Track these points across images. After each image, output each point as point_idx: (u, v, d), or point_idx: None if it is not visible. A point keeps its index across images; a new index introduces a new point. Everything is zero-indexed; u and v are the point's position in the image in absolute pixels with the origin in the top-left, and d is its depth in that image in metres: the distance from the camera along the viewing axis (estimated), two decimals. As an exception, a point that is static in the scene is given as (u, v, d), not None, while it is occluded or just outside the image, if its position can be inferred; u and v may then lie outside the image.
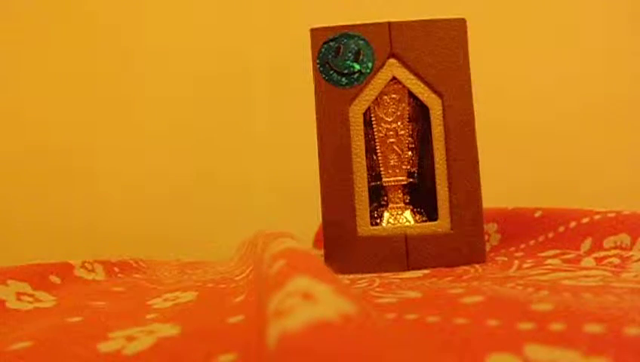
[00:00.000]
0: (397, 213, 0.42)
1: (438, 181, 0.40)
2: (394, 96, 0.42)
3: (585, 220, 0.38)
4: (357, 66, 0.40)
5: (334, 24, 0.41)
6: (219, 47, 0.86)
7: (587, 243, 0.36)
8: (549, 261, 0.35)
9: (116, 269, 0.44)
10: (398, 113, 0.42)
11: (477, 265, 0.38)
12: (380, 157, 0.42)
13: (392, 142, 0.42)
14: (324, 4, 0.83)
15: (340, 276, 0.37)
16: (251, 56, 0.85)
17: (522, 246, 0.42)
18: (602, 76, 0.83)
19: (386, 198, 0.43)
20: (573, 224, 0.39)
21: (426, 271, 0.37)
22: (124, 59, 0.85)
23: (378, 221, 0.42)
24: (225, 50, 0.85)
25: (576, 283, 0.26)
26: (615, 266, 0.31)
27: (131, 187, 0.83)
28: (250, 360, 0.17)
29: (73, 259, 0.41)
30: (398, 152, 0.42)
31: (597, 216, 0.38)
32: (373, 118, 0.42)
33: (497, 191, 0.47)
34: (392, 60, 0.41)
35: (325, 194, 0.40)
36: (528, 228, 0.42)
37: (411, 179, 0.43)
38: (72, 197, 0.82)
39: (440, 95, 0.40)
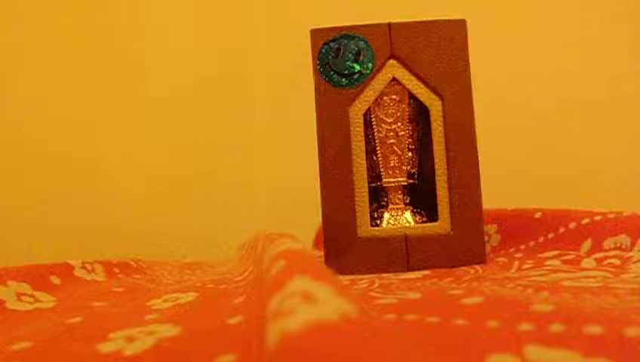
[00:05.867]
0: (397, 214, 0.42)
1: (438, 182, 0.40)
2: (394, 97, 0.42)
3: (585, 221, 0.38)
4: (357, 67, 0.40)
5: (334, 25, 0.41)
6: (219, 47, 0.86)
7: (587, 244, 0.36)
8: (549, 262, 0.35)
9: (116, 270, 0.44)
10: (398, 114, 0.42)
11: (477, 266, 0.38)
12: (380, 158, 0.42)
13: (392, 143, 0.42)
14: (324, 4, 0.83)
15: (340, 277, 0.37)
16: (251, 56, 0.85)
17: (522, 247, 0.42)
18: (603, 76, 0.83)
19: (386, 199, 0.43)
20: (573, 225, 0.39)
21: (426, 272, 0.37)
22: (124, 59, 0.85)
23: (378, 222, 0.42)
24: (225, 50, 0.86)
25: (576, 284, 0.26)
26: (615, 267, 0.31)
27: (131, 187, 0.83)
28: (251, 361, 0.17)
29: (73, 260, 0.41)
30: (398, 153, 0.42)
31: (597, 217, 0.38)
32: (373, 119, 0.42)
33: (497, 192, 0.47)
34: (392, 61, 0.41)
35: (325, 194, 0.40)
36: (528, 229, 0.42)
37: (411, 180, 0.43)
38: (71, 198, 0.82)
39: (440, 96, 0.40)
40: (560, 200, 0.48)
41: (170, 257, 0.73)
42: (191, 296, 0.31)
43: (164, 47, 0.86)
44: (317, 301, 0.13)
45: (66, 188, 0.82)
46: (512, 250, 0.42)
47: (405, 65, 0.41)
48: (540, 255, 0.38)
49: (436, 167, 0.40)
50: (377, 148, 0.42)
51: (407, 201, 0.43)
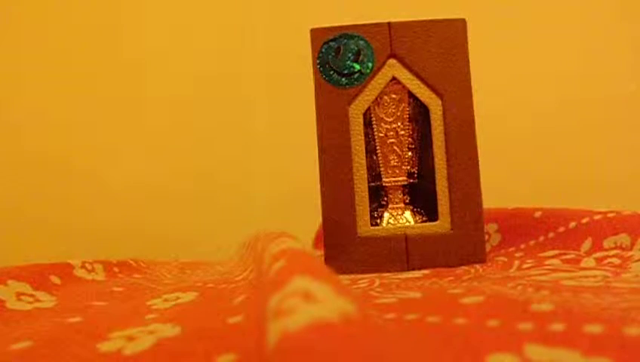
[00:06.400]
0: (397, 214, 0.42)
1: (438, 181, 0.40)
2: (394, 96, 0.42)
3: (585, 220, 0.38)
4: (357, 66, 0.40)
5: (334, 24, 0.41)
6: (219, 47, 0.86)
7: (587, 244, 0.36)
8: (549, 261, 0.35)
9: (116, 269, 0.44)
10: (398, 113, 0.42)
11: (477, 265, 0.38)
12: (380, 158, 0.42)
13: (392, 143, 0.42)
14: (324, 4, 0.83)
15: (340, 276, 0.37)
16: (251, 56, 0.85)
17: (522, 246, 0.42)
18: (603, 76, 0.83)
19: (386, 198, 0.43)
20: (573, 224, 0.39)
21: (426, 272, 0.37)
22: (124, 60, 0.85)
23: (378, 221, 0.42)
24: (225, 50, 0.85)
25: (576, 283, 0.26)
26: (615, 266, 0.31)
27: (131, 187, 0.83)
28: (251, 361, 0.17)
29: (73, 259, 0.41)
30: (398, 152, 0.42)
31: (597, 217, 0.38)
32: (373, 118, 0.42)
33: (497, 192, 0.47)
34: (392, 60, 0.41)
35: (325, 194, 0.40)
36: (528, 229, 0.42)
37: (411, 180, 0.43)
38: (71, 197, 0.82)
39: (440, 95, 0.40)
40: (560, 199, 0.48)
41: (170, 257, 0.73)
42: (191, 295, 0.31)
43: (164, 47, 0.86)
44: (317, 300, 0.13)
45: (66, 188, 0.82)
46: (512, 249, 0.42)
47: (405, 65, 0.41)
48: (540, 254, 0.38)
49: (436, 166, 0.40)
50: (377, 147, 0.42)
51: (407, 201, 0.43)
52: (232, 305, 0.26)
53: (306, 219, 0.62)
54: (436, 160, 0.40)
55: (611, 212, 0.38)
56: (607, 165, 0.81)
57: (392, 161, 0.42)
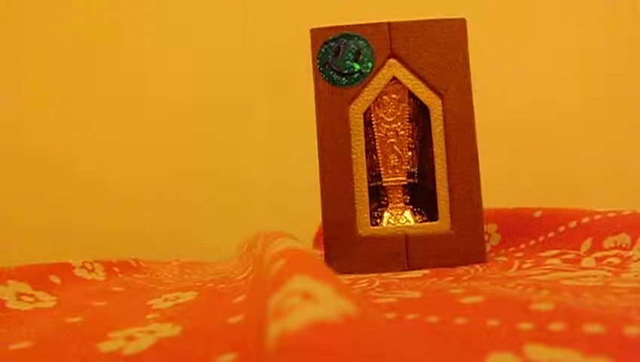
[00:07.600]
0: (397, 213, 0.42)
1: (438, 181, 0.40)
2: (394, 96, 0.42)
3: (585, 220, 0.38)
4: (357, 66, 0.40)
5: (334, 24, 0.41)
6: (219, 47, 0.86)
7: (587, 243, 0.36)
8: (549, 261, 0.35)
9: (116, 269, 0.44)
10: (398, 113, 0.42)
11: (477, 265, 0.38)
12: (380, 158, 0.42)
13: (392, 142, 0.42)
14: (324, 4, 0.83)
15: (340, 276, 0.37)
16: (251, 57, 0.85)
17: (522, 246, 0.42)
18: (602, 75, 0.83)
19: (386, 198, 0.43)
20: (573, 224, 0.39)
21: (426, 271, 0.37)
22: (124, 60, 0.85)
23: (378, 221, 0.42)
24: (225, 50, 0.85)
25: (576, 283, 0.26)
26: (615, 266, 0.31)
27: (131, 187, 0.83)
28: (250, 360, 0.17)
29: (73, 259, 0.41)
30: (398, 152, 0.42)
31: (597, 216, 0.38)
32: (373, 118, 0.42)
33: (497, 192, 0.47)
34: (392, 60, 0.41)
35: (325, 194, 0.40)
36: (528, 228, 0.42)
37: (411, 179, 0.43)
38: (72, 197, 0.82)
39: (440, 95, 0.40)
40: (560, 199, 0.48)
41: (170, 257, 0.73)
42: (191, 295, 0.31)
43: (164, 47, 0.86)
44: (317, 300, 0.13)
45: (65, 188, 0.82)
46: (512, 249, 0.42)
47: (405, 65, 0.41)
48: (540, 254, 0.38)
49: (436, 166, 0.40)
50: (377, 147, 0.42)
51: (407, 201, 0.43)
52: (232, 305, 0.26)
53: (306, 219, 0.62)
54: (436, 160, 0.40)
55: (611, 211, 0.38)
56: (607, 164, 0.81)
57: (392, 161, 0.42)
